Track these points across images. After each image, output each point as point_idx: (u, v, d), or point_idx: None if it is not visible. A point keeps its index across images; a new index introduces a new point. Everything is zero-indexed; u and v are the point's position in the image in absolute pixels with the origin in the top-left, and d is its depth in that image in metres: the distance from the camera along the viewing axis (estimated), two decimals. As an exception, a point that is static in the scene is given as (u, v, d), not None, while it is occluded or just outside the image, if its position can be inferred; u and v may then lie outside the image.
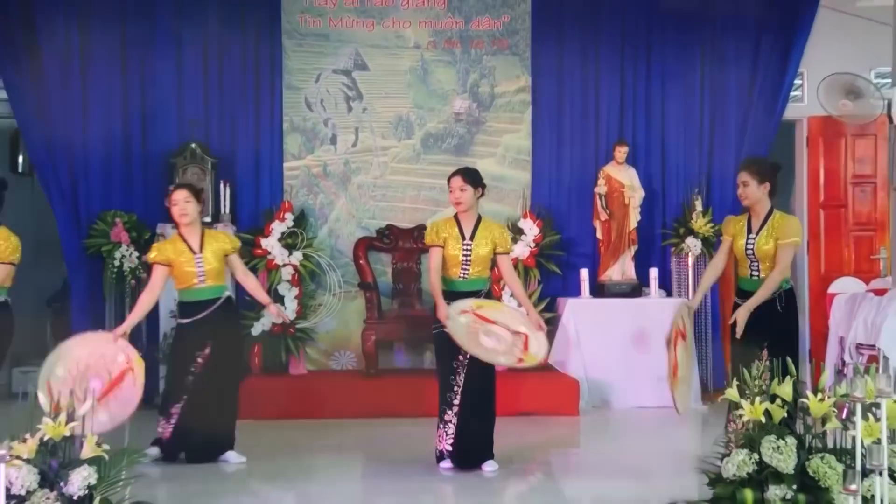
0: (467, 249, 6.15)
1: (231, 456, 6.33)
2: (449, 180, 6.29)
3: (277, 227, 8.81)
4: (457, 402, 6.04)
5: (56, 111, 9.03)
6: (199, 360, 6.20)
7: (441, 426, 6.11)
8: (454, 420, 6.05)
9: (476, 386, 6.03)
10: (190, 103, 9.21)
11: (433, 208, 9.15)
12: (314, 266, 8.99)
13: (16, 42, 8.99)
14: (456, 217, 6.28)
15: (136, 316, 6.41)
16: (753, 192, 6.09)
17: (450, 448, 6.06)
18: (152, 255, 6.38)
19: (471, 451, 6.07)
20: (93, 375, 5.81)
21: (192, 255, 6.24)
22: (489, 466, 6.07)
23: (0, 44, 8.96)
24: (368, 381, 8.47)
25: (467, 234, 6.18)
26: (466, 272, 6.16)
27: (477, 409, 6.05)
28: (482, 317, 6.01)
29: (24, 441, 4.58)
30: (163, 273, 6.32)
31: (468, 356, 6.00)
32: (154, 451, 6.30)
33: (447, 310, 5.95)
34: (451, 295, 6.17)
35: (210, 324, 6.24)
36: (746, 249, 6.05)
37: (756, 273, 6.06)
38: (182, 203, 6.28)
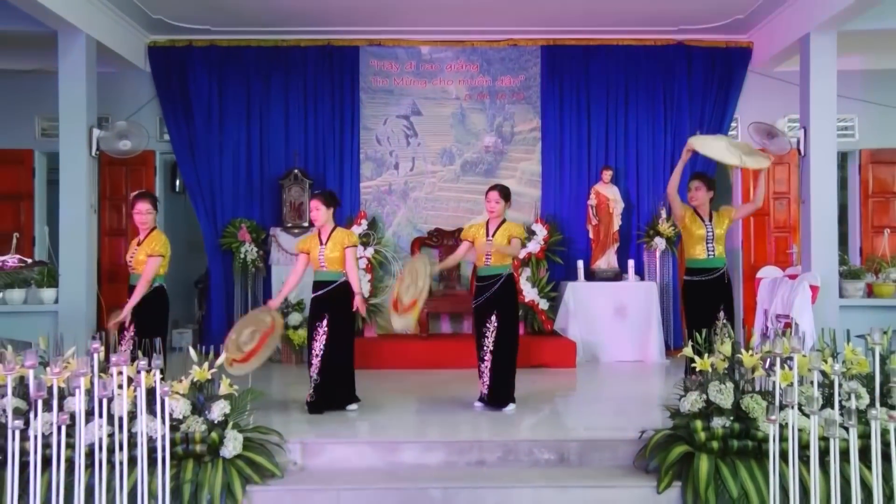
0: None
1: (353, 406, 6.04)
2: (487, 193, 6.15)
3: (356, 230, 8.85)
4: (487, 358, 5.98)
5: (201, 148, 9.20)
6: (320, 329, 5.89)
7: (479, 376, 6.05)
8: (487, 372, 5.98)
9: (499, 346, 5.95)
10: (293, 139, 9.28)
11: (469, 216, 9.17)
12: (382, 258, 9.07)
13: (175, 101, 9.22)
14: (488, 221, 6.18)
15: (286, 291, 6.04)
16: (703, 195, 6.14)
17: (485, 391, 6.01)
18: (297, 246, 6.14)
19: (498, 395, 5.99)
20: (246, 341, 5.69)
21: (319, 247, 5.97)
22: (509, 408, 5.96)
23: (166, 103, 9.23)
24: (422, 342, 8.51)
25: (491, 233, 6.07)
26: (489, 260, 6.04)
27: (499, 364, 5.97)
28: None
29: (181, 381, 4.72)
30: (303, 260, 6.05)
31: (494, 323, 5.93)
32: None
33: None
34: (480, 278, 6.10)
35: (327, 301, 5.93)
36: (707, 234, 6.05)
37: (711, 252, 6.05)
38: (314, 210, 6.05)
